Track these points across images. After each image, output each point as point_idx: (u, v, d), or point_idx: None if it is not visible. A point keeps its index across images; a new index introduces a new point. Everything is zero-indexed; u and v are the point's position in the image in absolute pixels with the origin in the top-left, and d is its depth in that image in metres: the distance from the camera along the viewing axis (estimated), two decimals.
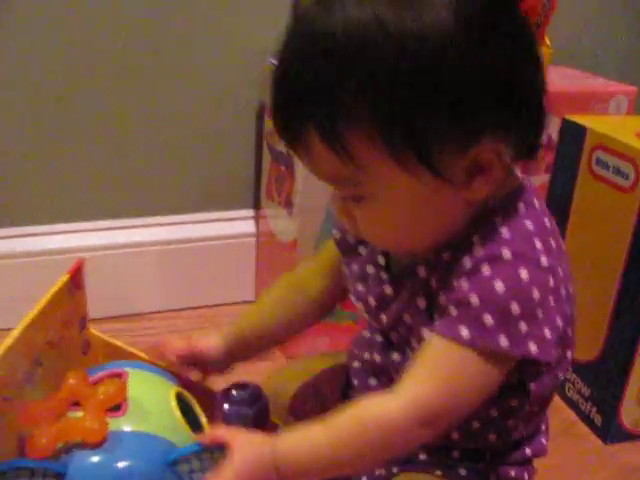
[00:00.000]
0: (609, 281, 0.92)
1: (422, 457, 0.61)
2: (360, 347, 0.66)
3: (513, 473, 0.62)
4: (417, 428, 0.52)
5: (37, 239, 1.09)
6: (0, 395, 0.58)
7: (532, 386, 0.57)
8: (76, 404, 0.58)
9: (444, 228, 0.54)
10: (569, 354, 0.59)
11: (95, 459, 0.55)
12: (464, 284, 0.51)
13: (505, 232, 0.52)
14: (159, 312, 1.18)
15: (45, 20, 1.00)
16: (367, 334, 0.66)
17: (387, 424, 0.52)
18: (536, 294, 0.51)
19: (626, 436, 0.96)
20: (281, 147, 1.04)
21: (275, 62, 0.52)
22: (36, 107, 1.04)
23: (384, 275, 0.61)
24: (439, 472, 0.61)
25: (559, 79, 1.08)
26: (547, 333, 0.51)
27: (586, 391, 0.99)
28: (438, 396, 0.52)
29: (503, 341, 0.50)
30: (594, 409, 0.98)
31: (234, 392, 0.70)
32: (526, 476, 0.63)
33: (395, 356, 0.61)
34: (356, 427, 0.53)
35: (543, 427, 0.65)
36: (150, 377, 0.67)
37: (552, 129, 1.01)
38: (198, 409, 0.67)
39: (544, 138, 0.56)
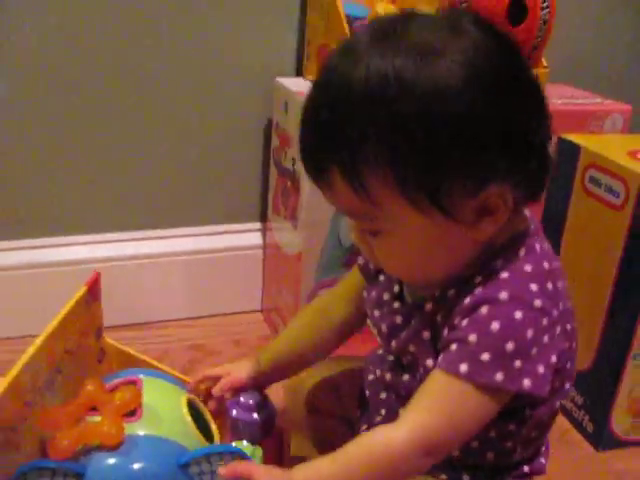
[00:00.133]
0: (601, 294, 0.93)
1: None
2: (374, 364, 0.69)
3: None
4: (420, 457, 0.55)
5: (52, 250, 1.10)
6: (23, 400, 0.60)
7: (529, 413, 0.60)
8: (94, 409, 0.60)
9: (454, 263, 0.57)
10: (567, 385, 0.62)
11: (112, 461, 0.58)
12: (464, 322, 0.55)
13: (504, 275, 0.55)
14: (169, 321, 1.19)
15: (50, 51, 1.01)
16: (380, 352, 0.69)
17: (393, 453, 0.55)
18: (530, 333, 0.53)
19: (617, 443, 0.97)
20: (287, 163, 1.05)
21: (304, 107, 0.55)
22: (49, 120, 1.04)
23: (397, 304, 0.64)
24: (444, 476, 0.63)
25: (556, 97, 1.09)
26: (541, 369, 0.54)
27: (579, 399, 0.99)
28: (439, 427, 0.55)
29: (499, 376, 0.53)
30: (587, 417, 0.98)
31: (242, 399, 0.73)
32: None
33: (405, 377, 0.64)
34: (365, 456, 0.56)
35: (543, 449, 0.67)
36: (163, 384, 0.69)
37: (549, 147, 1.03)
38: (208, 415, 0.70)
39: None
